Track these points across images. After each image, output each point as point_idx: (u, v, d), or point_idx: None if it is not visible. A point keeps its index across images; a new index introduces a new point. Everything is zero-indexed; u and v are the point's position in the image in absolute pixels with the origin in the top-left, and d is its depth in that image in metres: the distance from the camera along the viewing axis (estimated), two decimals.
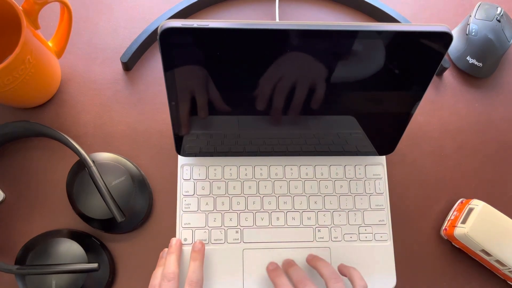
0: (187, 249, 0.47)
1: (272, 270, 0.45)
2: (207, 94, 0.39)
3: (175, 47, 0.34)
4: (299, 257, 0.47)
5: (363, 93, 0.40)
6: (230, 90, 0.39)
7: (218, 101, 0.40)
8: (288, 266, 0.45)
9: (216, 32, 0.33)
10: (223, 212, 0.48)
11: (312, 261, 0.46)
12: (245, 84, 0.38)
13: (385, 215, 0.50)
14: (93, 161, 0.45)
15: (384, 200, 0.50)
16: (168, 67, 0.36)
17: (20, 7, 0.42)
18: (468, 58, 0.57)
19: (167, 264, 0.43)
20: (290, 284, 0.42)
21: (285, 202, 0.49)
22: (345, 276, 0.44)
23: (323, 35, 0.34)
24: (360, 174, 0.51)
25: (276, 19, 0.57)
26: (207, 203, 0.48)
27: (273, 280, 0.43)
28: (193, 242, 0.47)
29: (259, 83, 0.38)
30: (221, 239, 0.48)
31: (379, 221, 0.50)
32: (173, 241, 0.46)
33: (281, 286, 0.42)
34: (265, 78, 0.37)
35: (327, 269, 0.43)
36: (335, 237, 0.49)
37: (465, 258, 0.51)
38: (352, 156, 0.51)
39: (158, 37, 0.33)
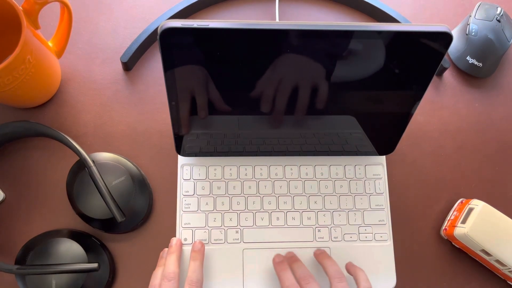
0: (187, 249, 0.47)
1: (278, 263, 0.45)
2: (207, 94, 0.39)
3: (175, 47, 0.34)
4: (299, 256, 0.47)
5: (363, 93, 0.40)
6: (230, 90, 0.39)
7: (218, 101, 0.40)
8: (291, 261, 0.45)
9: (216, 32, 0.33)
10: (223, 212, 0.48)
11: (319, 257, 0.46)
12: (245, 84, 0.38)
13: (385, 215, 0.50)
14: (93, 161, 0.45)
15: (384, 200, 0.50)
16: (168, 67, 0.36)
17: (20, 7, 0.42)
18: (468, 58, 0.57)
19: (167, 264, 0.43)
20: (294, 280, 0.42)
21: (285, 202, 0.49)
22: (351, 275, 0.45)
23: (323, 35, 0.34)
24: (360, 174, 0.51)
25: (276, 19, 0.57)
26: (207, 203, 0.48)
27: (278, 273, 0.44)
28: (193, 242, 0.47)
29: (259, 83, 0.38)
30: (221, 239, 0.48)
31: (379, 221, 0.50)
32: (173, 241, 0.46)
33: (286, 281, 0.42)
34: (265, 78, 0.37)
35: (333, 268, 0.43)
36: (335, 237, 0.49)
37: (465, 258, 0.51)
38: (352, 156, 0.51)
39: (158, 37, 0.33)
